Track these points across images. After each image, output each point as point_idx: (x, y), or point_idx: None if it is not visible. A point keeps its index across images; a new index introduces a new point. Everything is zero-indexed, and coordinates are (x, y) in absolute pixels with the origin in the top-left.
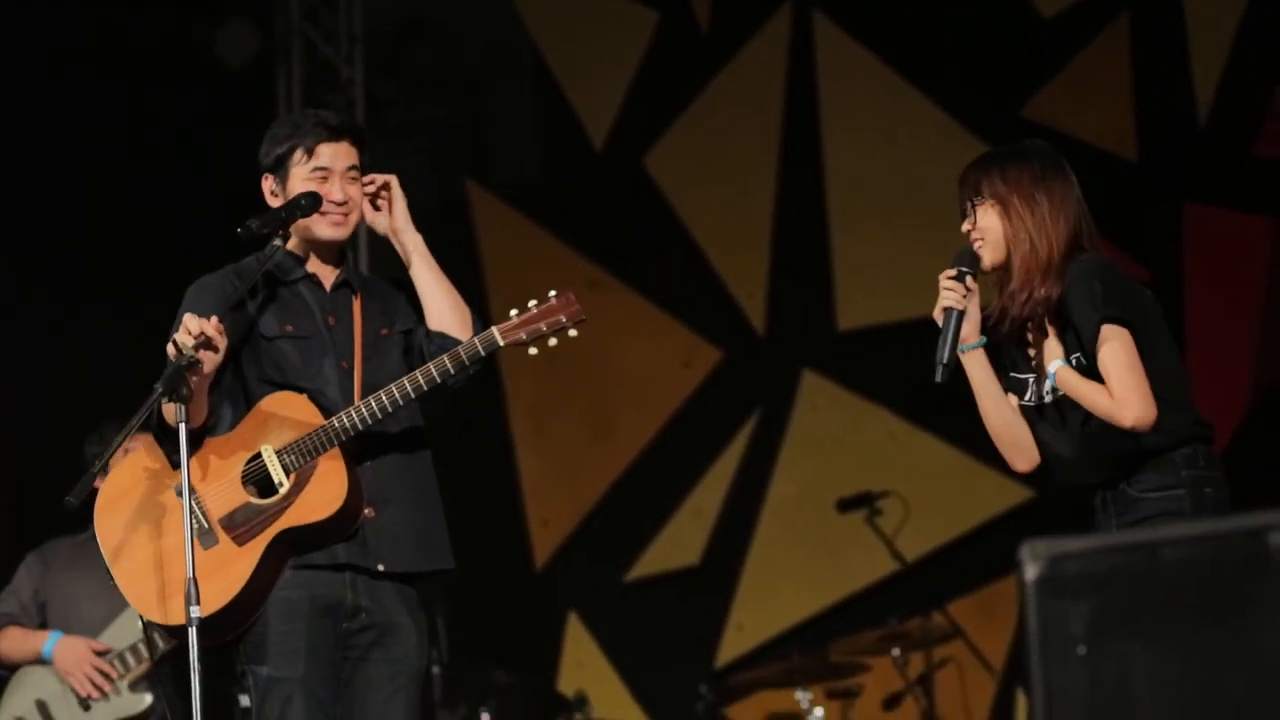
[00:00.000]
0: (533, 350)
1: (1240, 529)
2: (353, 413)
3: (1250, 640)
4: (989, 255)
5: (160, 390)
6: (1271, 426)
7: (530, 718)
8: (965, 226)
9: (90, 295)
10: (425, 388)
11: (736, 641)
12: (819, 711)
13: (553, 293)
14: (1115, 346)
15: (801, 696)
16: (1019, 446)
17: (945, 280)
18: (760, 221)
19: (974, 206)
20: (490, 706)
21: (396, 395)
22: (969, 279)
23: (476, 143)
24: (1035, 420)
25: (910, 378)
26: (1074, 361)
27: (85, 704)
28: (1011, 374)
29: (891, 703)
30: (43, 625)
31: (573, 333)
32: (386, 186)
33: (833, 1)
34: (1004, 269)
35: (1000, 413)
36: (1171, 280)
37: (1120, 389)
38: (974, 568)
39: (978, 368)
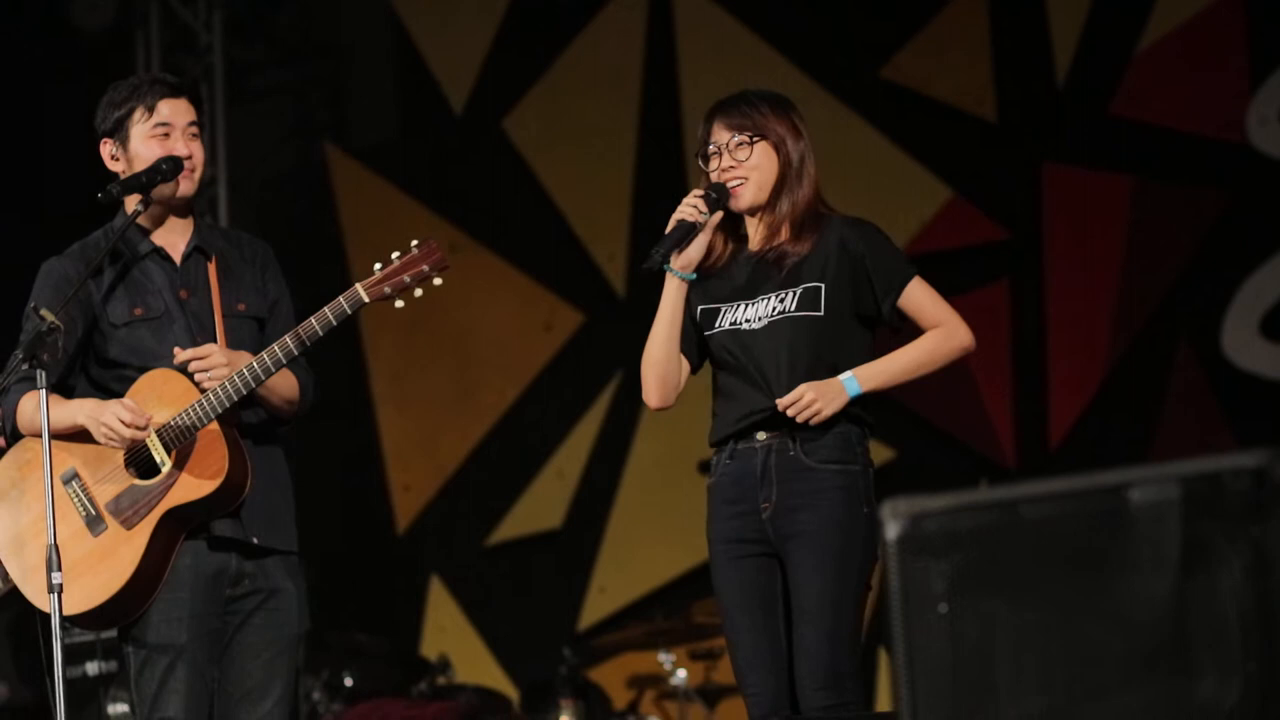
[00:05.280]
0: (399, 303)
1: (1099, 486)
2: (226, 384)
3: (1109, 595)
4: (750, 196)
5: (20, 355)
6: (1131, 384)
7: (393, 681)
8: (725, 163)
9: None
10: (295, 351)
11: (599, 604)
12: (682, 673)
13: (415, 242)
14: (930, 289)
15: (664, 658)
16: (667, 382)
17: (692, 198)
18: (621, 183)
19: (750, 143)
20: (353, 671)
21: (268, 362)
22: (711, 207)
23: (336, 107)
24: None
25: None
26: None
27: None
28: (703, 306)
29: None
30: None
31: (437, 281)
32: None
33: None
34: (748, 213)
35: (672, 343)
36: (1032, 240)
37: (950, 316)
38: None
39: (677, 298)
